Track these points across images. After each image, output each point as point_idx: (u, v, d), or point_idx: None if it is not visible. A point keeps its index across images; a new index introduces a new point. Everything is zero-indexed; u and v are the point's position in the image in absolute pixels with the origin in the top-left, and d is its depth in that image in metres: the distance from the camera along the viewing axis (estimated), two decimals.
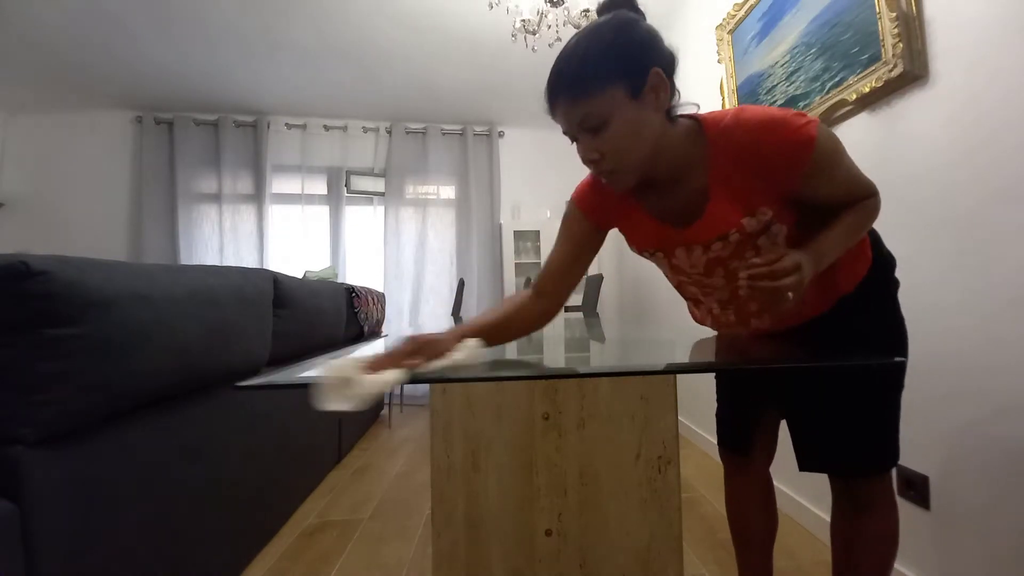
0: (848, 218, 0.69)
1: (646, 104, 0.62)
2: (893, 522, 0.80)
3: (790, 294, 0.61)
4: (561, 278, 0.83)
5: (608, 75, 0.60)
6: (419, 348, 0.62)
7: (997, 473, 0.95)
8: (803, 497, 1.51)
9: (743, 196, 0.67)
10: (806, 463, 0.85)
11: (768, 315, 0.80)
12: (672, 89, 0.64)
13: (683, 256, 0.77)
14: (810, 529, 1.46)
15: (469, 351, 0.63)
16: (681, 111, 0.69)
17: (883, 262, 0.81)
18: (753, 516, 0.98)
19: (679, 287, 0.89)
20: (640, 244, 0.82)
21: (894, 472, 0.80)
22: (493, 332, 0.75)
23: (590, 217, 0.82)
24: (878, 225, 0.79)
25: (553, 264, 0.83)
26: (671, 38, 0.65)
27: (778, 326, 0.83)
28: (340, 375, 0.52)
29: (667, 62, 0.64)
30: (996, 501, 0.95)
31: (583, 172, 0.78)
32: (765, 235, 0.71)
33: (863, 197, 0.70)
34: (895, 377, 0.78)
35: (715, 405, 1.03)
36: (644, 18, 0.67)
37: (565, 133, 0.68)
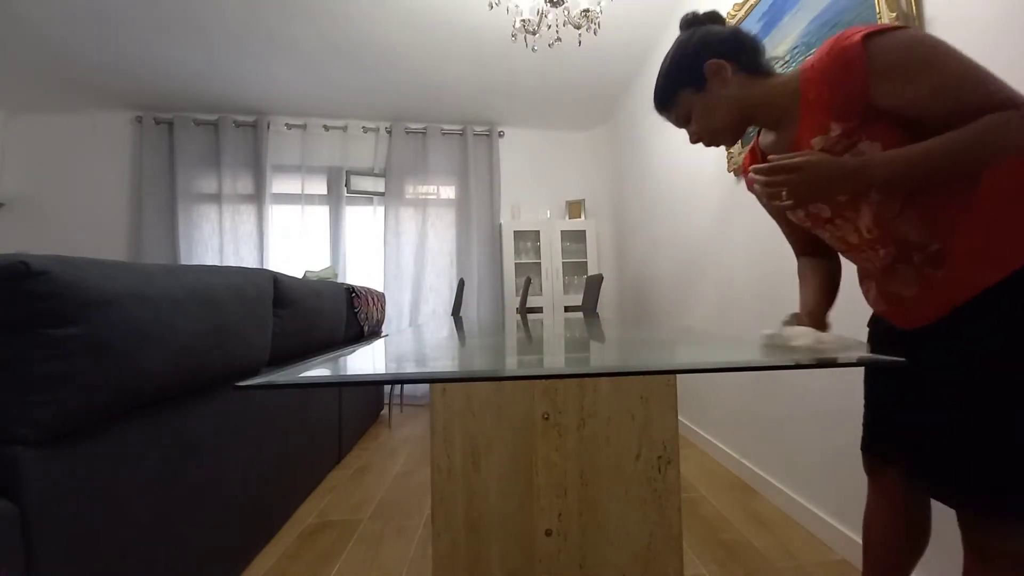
0: (951, 133, 0.58)
1: (713, 89, 0.78)
2: None
3: (784, 193, 0.67)
4: (801, 235, 0.92)
5: (675, 87, 0.82)
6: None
7: None
8: (803, 497, 1.51)
9: (819, 117, 0.68)
10: (916, 473, 0.77)
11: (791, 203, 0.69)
12: (742, 59, 0.77)
13: None
14: (810, 529, 1.46)
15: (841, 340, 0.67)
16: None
17: None
18: (876, 530, 0.89)
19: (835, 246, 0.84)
20: None
21: None
22: (824, 302, 0.85)
23: (748, 182, 0.87)
24: None
25: (788, 235, 0.95)
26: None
27: (927, 314, 0.70)
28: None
29: (723, 48, 0.78)
30: None
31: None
32: (852, 154, 0.66)
33: (988, 110, 0.57)
34: None
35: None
36: (710, 22, 0.84)
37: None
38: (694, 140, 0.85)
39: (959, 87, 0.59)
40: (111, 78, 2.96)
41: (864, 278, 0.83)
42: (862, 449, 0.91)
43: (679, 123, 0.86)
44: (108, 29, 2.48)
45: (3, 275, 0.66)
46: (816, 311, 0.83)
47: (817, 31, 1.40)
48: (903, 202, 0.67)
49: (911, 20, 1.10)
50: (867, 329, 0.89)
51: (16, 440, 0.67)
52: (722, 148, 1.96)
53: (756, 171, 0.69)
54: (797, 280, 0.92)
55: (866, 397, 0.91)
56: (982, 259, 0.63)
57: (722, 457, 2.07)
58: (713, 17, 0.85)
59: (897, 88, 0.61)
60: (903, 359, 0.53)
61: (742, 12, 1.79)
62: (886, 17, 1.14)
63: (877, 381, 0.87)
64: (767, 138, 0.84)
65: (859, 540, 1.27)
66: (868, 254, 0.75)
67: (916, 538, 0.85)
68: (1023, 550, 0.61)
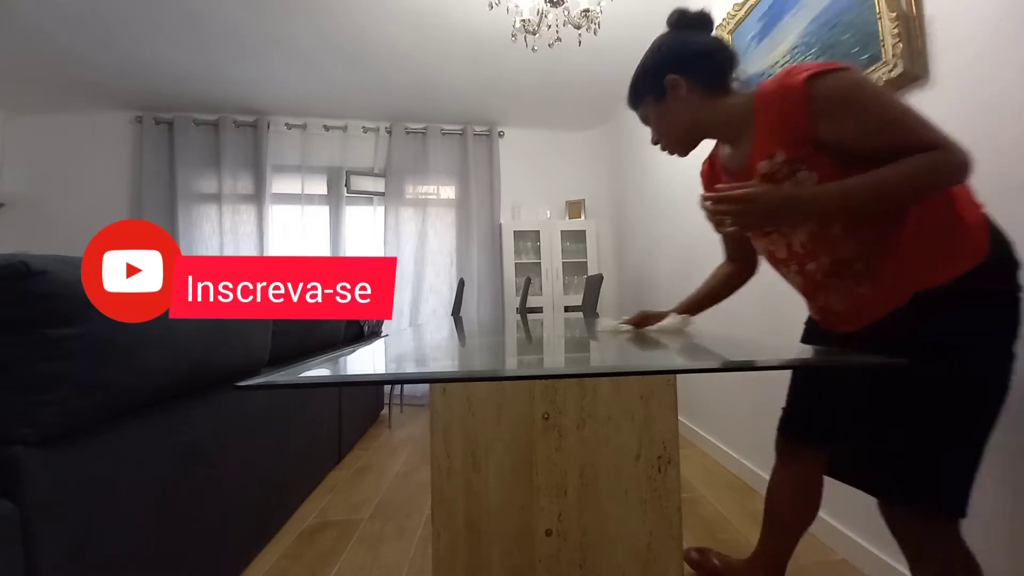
0: (884, 170, 0.63)
1: (670, 102, 0.84)
2: None
3: (728, 221, 0.73)
4: (734, 245, 1.07)
5: (641, 92, 0.89)
6: (644, 318, 1.01)
7: (997, 473, 0.95)
8: None
9: (767, 142, 0.74)
10: (836, 469, 0.86)
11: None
12: (703, 76, 0.82)
13: None
14: (810, 529, 1.45)
15: (676, 321, 0.99)
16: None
17: (1002, 262, 0.67)
18: (780, 502, 1.03)
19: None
20: None
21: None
22: (705, 300, 1.08)
23: (705, 186, 0.99)
24: None
25: (723, 241, 1.08)
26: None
27: (854, 322, 0.78)
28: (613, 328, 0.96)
29: (686, 64, 0.83)
30: (996, 501, 0.95)
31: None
32: (792, 182, 0.72)
33: (917, 149, 0.63)
34: (973, 402, 0.66)
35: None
36: (694, 26, 0.87)
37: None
38: (654, 143, 0.93)
39: (892, 128, 0.65)
40: (111, 78, 2.96)
41: (802, 293, 0.89)
42: (779, 430, 1.01)
43: (644, 123, 0.93)
44: (108, 29, 2.48)
45: (3, 275, 0.66)
46: (692, 304, 1.08)
47: (817, 31, 1.40)
48: (841, 224, 0.74)
49: (911, 20, 1.10)
50: (804, 326, 1.01)
51: (16, 440, 0.67)
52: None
53: (705, 199, 0.75)
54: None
55: (791, 383, 1.00)
56: (906, 277, 0.70)
57: (722, 457, 2.07)
58: (699, 20, 0.87)
59: (837, 125, 0.67)
60: (903, 360, 0.54)
61: (742, 12, 1.79)
62: (886, 17, 1.14)
63: (804, 371, 0.97)
64: (724, 149, 0.90)
65: (859, 540, 1.27)
66: (793, 267, 0.83)
67: (813, 509, 1.00)
68: (936, 540, 0.70)
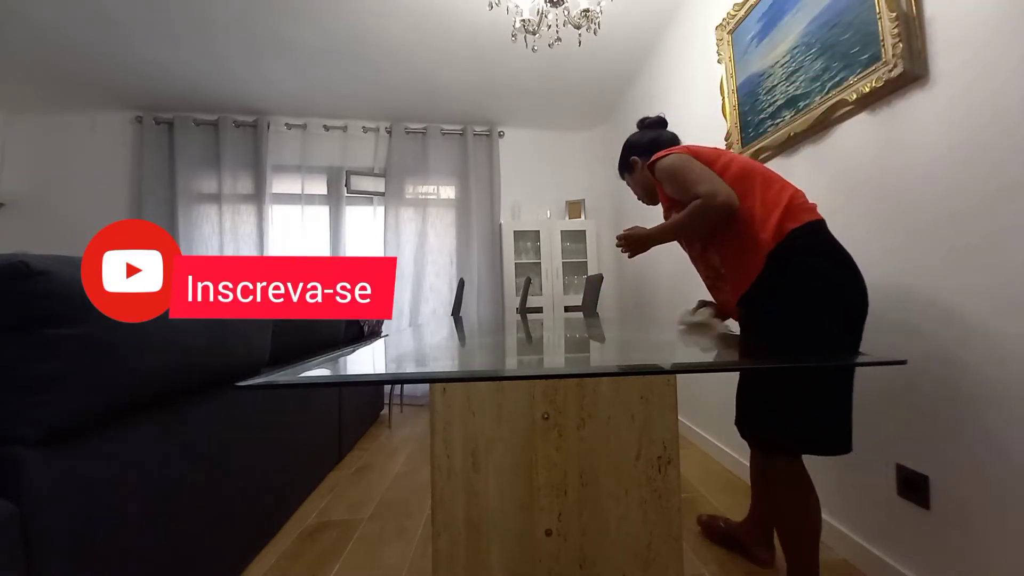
0: (680, 215, 1.08)
1: (635, 175, 1.35)
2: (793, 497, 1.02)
3: (626, 254, 1.27)
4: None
5: (620, 169, 1.40)
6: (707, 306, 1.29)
7: (997, 473, 0.95)
8: None
9: (661, 195, 1.23)
10: (741, 425, 1.14)
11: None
12: (648, 157, 1.22)
13: None
14: None
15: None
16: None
17: (784, 268, 0.98)
18: (755, 474, 1.27)
19: None
20: None
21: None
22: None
23: None
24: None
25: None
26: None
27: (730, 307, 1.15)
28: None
29: (641, 150, 1.31)
30: (996, 501, 0.95)
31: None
32: (664, 220, 1.22)
33: (694, 199, 1.04)
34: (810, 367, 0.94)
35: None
36: (653, 126, 1.37)
37: None
38: (636, 194, 1.41)
39: (684, 187, 1.07)
40: (111, 78, 2.96)
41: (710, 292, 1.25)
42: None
43: (628, 186, 1.42)
44: (108, 29, 2.48)
45: (3, 275, 0.66)
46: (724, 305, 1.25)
47: (817, 31, 1.40)
48: (702, 246, 1.15)
49: (911, 20, 1.10)
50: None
51: (16, 440, 0.67)
52: (722, 147, 1.99)
53: (617, 237, 1.26)
54: None
55: (737, 385, 1.18)
56: (741, 276, 1.05)
57: (722, 457, 2.07)
58: (655, 121, 1.38)
59: (666, 187, 1.15)
60: (904, 360, 0.56)
61: (742, 12, 1.79)
62: (886, 17, 1.14)
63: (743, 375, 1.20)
64: None
65: (859, 540, 1.27)
66: (705, 278, 1.23)
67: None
68: (787, 472, 1.02)
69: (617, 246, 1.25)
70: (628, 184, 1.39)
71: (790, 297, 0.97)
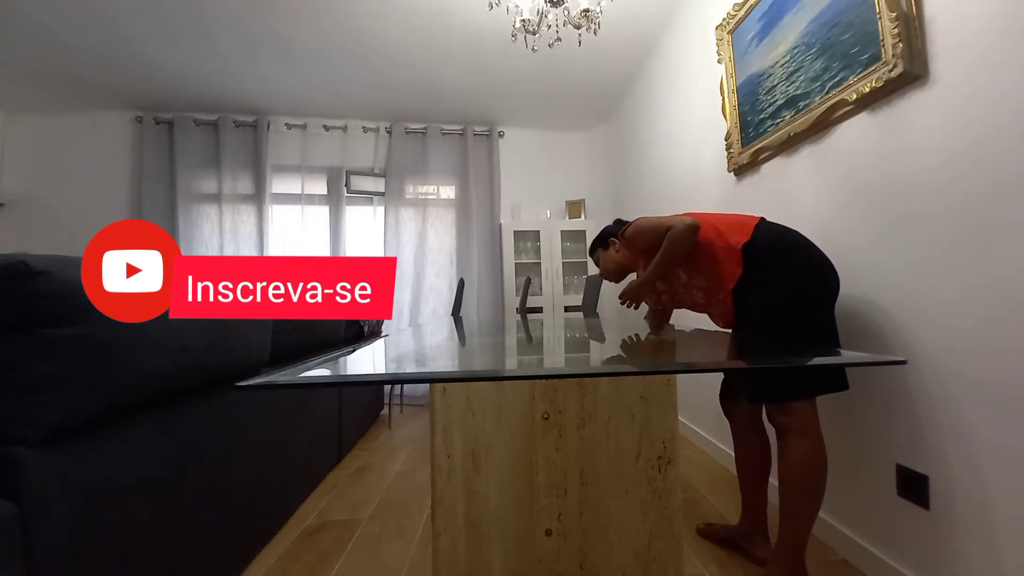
0: (659, 254, 1.28)
1: (608, 251, 1.57)
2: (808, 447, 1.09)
3: (632, 307, 1.51)
4: (655, 315, 1.68)
5: (593, 249, 1.64)
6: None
7: (997, 473, 0.95)
8: None
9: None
10: (744, 392, 1.28)
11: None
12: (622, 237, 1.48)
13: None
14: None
15: None
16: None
17: (759, 265, 1.17)
18: (740, 452, 1.35)
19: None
20: None
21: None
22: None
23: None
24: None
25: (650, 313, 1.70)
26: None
27: (726, 317, 1.31)
28: None
29: (614, 232, 1.53)
30: (996, 501, 0.95)
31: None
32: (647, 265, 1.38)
33: (664, 235, 1.25)
34: (799, 319, 1.12)
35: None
36: (617, 223, 1.58)
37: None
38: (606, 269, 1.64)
39: (655, 229, 1.30)
40: (111, 78, 2.96)
41: (704, 312, 1.40)
42: (720, 397, 1.39)
43: (597, 264, 1.65)
44: (108, 29, 2.48)
45: (3, 275, 0.66)
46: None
47: (817, 31, 1.40)
48: (687, 275, 1.32)
49: (911, 20, 1.10)
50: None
51: (16, 440, 0.67)
52: (722, 147, 1.98)
53: (619, 297, 1.48)
54: None
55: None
56: (727, 275, 1.22)
57: (722, 457, 2.07)
58: (620, 221, 1.55)
59: (640, 242, 1.38)
60: (904, 360, 0.55)
61: (742, 12, 1.79)
62: (886, 17, 1.14)
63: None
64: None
65: (859, 540, 1.27)
66: (697, 302, 1.38)
67: (765, 454, 1.32)
68: (802, 419, 1.10)
69: (622, 304, 1.48)
70: (596, 263, 1.64)
71: (777, 266, 1.16)
